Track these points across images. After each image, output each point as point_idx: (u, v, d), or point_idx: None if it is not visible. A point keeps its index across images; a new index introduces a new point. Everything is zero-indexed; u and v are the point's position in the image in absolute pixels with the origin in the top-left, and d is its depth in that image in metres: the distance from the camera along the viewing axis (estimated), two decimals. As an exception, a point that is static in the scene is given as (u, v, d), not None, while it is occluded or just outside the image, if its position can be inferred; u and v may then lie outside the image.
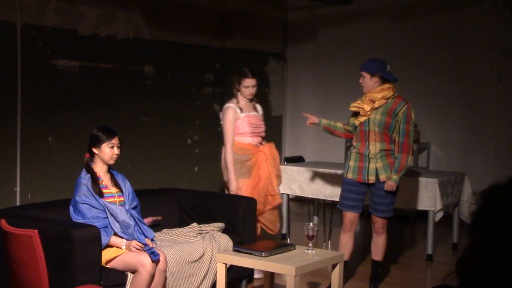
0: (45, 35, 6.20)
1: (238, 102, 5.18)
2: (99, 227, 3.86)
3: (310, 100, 9.20)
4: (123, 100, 7.03)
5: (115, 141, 4.07)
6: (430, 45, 8.25)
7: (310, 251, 4.05)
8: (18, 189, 6.02)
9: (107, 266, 3.94)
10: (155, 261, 3.90)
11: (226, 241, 4.56)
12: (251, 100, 5.25)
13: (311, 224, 4.10)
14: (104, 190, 4.05)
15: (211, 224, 4.77)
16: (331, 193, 6.35)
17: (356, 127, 4.87)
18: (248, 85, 5.14)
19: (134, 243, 3.94)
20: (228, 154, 5.16)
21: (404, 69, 8.44)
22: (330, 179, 6.36)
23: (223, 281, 3.94)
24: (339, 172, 6.32)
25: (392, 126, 4.74)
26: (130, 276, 3.93)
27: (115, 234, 3.97)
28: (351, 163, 4.87)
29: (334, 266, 4.08)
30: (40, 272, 2.91)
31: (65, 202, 4.18)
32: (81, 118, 6.52)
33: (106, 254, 3.94)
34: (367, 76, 4.77)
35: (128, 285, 3.91)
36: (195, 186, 5.89)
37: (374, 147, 4.75)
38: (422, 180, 5.96)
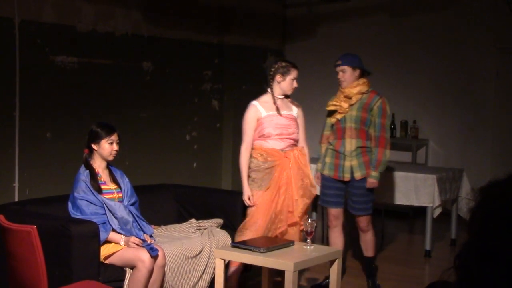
0: (44, 31, 6.19)
1: (274, 101, 4.54)
2: (97, 223, 3.86)
3: (309, 97, 9.18)
4: (121, 96, 7.02)
5: (114, 137, 4.07)
6: (429, 42, 8.25)
7: (308, 247, 4.05)
8: (16, 185, 6.01)
9: (105, 262, 3.94)
10: (154, 257, 3.90)
11: (224, 237, 4.56)
12: (287, 96, 4.65)
13: (309, 220, 4.10)
14: (102, 186, 4.05)
15: (209, 220, 4.77)
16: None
17: (333, 125, 4.83)
18: (295, 76, 4.59)
19: (133, 239, 3.94)
20: (242, 157, 4.49)
21: (403, 66, 8.43)
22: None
23: (222, 277, 3.94)
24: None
25: (368, 121, 4.70)
26: (128, 272, 3.93)
27: (114, 230, 3.97)
28: (327, 159, 4.83)
29: (332, 262, 4.08)
30: (39, 267, 2.91)
31: (63, 198, 4.18)
32: (79, 114, 6.50)
33: (105, 250, 3.94)
34: (348, 70, 4.71)
35: (127, 281, 3.91)
36: (193, 182, 5.88)
37: (350, 144, 4.70)
38: (421, 176, 5.96)
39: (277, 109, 4.54)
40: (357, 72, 4.72)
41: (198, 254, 4.37)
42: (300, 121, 4.64)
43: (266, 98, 4.61)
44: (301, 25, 9.24)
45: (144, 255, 3.86)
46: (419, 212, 7.10)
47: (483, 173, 7.75)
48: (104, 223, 3.94)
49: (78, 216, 3.93)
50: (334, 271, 4.08)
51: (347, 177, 4.76)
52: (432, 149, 8.30)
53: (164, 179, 6.81)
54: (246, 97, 8.66)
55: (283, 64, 4.64)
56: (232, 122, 8.47)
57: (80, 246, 3.68)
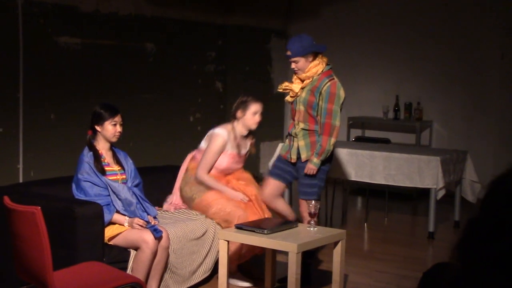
0: (46, 12, 6.17)
1: (235, 138, 4.56)
2: (101, 205, 3.87)
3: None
4: (124, 77, 7.02)
5: (117, 118, 4.07)
6: (434, 23, 8.20)
7: (312, 229, 4.07)
8: (21, 166, 6.03)
9: (110, 243, 3.96)
10: (158, 238, 3.92)
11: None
12: (250, 133, 4.65)
13: (313, 202, 4.11)
14: (106, 168, 4.06)
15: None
16: (333, 171, 6.35)
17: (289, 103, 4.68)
18: (257, 110, 4.55)
19: (136, 220, 3.96)
20: (208, 181, 4.54)
21: (407, 46, 8.40)
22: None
23: (225, 258, 3.96)
24: (342, 150, 6.33)
25: (316, 105, 4.41)
26: (132, 253, 3.95)
27: (118, 211, 3.98)
28: (286, 141, 4.69)
29: (336, 244, 4.10)
30: (43, 248, 2.92)
31: (67, 179, 4.19)
32: (83, 96, 6.50)
33: (109, 231, 3.96)
34: (301, 59, 4.39)
35: (131, 262, 3.93)
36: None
37: (298, 126, 4.49)
38: (424, 158, 5.96)
39: (238, 148, 4.59)
40: (310, 57, 4.42)
41: (202, 235, 4.39)
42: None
43: (231, 131, 4.58)
44: (305, 5, 9.19)
45: (148, 237, 3.87)
46: (423, 193, 7.11)
47: (487, 155, 7.75)
48: (108, 204, 3.96)
49: (82, 197, 3.94)
50: (338, 253, 4.09)
51: (293, 158, 4.54)
52: (436, 131, 8.29)
53: (167, 160, 6.82)
54: (250, 78, 8.68)
55: (243, 98, 4.57)
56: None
57: (85, 227, 3.70)
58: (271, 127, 8.79)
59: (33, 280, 3.10)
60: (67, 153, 6.16)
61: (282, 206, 4.78)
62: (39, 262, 2.97)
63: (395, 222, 6.85)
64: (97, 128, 4.07)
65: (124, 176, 4.14)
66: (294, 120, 4.56)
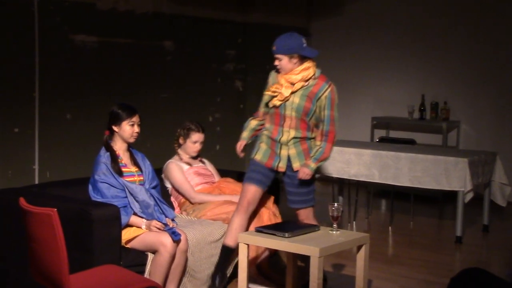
0: (63, 10, 6.22)
1: (181, 159, 4.91)
2: (118, 207, 3.89)
3: (335, 77, 9.11)
4: (142, 77, 7.05)
5: (135, 119, 4.09)
6: (460, 20, 8.14)
7: (334, 232, 4.05)
8: (36, 167, 6.09)
9: (127, 246, 3.98)
10: (176, 241, 3.93)
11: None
12: (195, 157, 4.98)
13: (335, 205, 4.09)
14: (123, 169, 4.08)
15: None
16: (357, 172, 6.33)
17: (270, 107, 4.37)
18: (197, 140, 4.88)
19: (154, 223, 3.97)
20: (198, 198, 4.78)
21: (434, 43, 8.34)
22: (355, 157, 6.33)
23: (245, 262, 3.95)
24: (365, 151, 6.30)
25: (312, 112, 4.25)
26: (150, 256, 3.96)
27: (135, 214, 4.00)
28: (263, 145, 4.39)
29: (359, 248, 4.08)
30: (59, 251, 2.94)
31: (84, 181, 4.22)
32: (99, 95, 6.55)
33: (126, 234, 3.98)
34: (284, 58, 4.24)
35: (148, 266, 3.95)
36: (216, 165, 5.87)
37: (288, 134, 4.28)
38: (452, 159, 5.91)
39: (191, 164, 4.97)
40: (295, 59, 4.25)
41: (221, 238, 4.39)
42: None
43: (178, 158, 4.97)
44: (328, 2, 9.17)
45: (166, 240, 3.88)
46: (450, 196, 7.06)
47: (517, 157, 7.67)
48: (125, 206, 3.97)
49: (99, 199, 3.96)
50: (361, 257, 4.07)
51: (281, 167, 4.34)
52: (463, 131, 8.22)
53: (186, 161, 6.83)
54: (271, 77, 8.67)
55: (187, 127, 4.88)
56: (256, 103, 8.45)
57: (101, 230, 3.72)
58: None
59: (49, 283, 3.12)
60: (83, 153, 6.20)
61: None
62: (55, 265, 2.99)
63: (421, 226, 6.81)
64: (115, 128, 4.09)
65: (141, 178, 4.16)
66: (277, 125, 4.32)
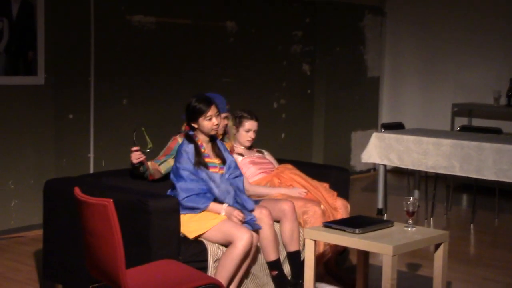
0: (120, -11, 6.32)
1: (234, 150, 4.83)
2: (201, 192, 4.07)
3: (412, 60, 9.01)
4: (202, 60, 7.11)
5: (211, 112, 4.20)
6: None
7: (409, 229, 4.01)
8: (91, 155, 6.22)
9: (199, 239, 4.03)
10: (255, 230, 4.03)
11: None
12: (250, 147, 4.93)
13: (411, 199, 4.05)
14: (206, 159, 4.20)
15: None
16: (435, 164, 6.25)
17: None
18: (250, 128, 4.85)
19: (236, 213, 4.05)
20: (251, 191, 4.68)
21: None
22: (433, 148, 6.25)
23: (312, 259, 3.95)
24: (445, 140, 6.20)
25: None
26: (210, 251, 4.00)
27: (215, 200, 4.12)
28: None
29: (437, 246, 4.02)
30: (115, 244, 3.00)
31: (141, 170, 4.29)
32: (157, 79, 6.63)
33: (199, 226, 4.03)
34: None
35: (210, 261, 3.98)
36: (281, 154, 5.88)
37: None
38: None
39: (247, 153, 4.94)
40: None
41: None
42: None
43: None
44: (404, -22, 9.05)
45: (244, 234, 3.93)
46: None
47: None
48: (205, 193, 4.11)
49: (181, 182, 4.10)
50: (439, 257, 4.02)
51: None
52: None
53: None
54: (341, 59, 8.62)
55: (239, 114, 4.90)
56: (325, 88, 8.43)
57: (159, 222, 3.77)
58: (364, 115, 8.71)
59: (105, 278, 3.19)
60: (140, 141, 6.30)
61: None
62: (111, 259, 3.05)
63: (507, 224, 6.68)
64: (193, 125, 4.22)
65: (223, 171, 4.26)
66: None
